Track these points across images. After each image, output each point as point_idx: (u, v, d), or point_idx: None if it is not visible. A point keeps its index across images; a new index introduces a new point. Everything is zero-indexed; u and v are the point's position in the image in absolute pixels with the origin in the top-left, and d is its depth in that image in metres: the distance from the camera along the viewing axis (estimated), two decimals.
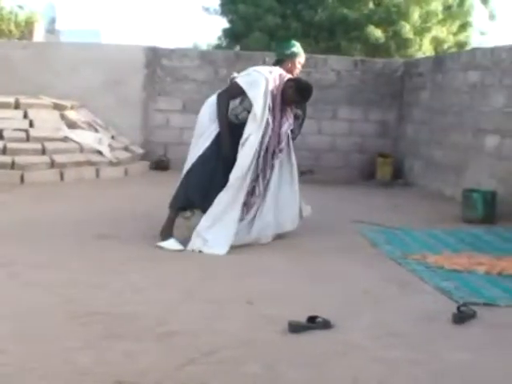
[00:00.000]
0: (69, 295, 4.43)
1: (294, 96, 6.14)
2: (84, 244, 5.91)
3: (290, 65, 6.72)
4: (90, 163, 9.97)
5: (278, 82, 6.13)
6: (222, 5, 19.91)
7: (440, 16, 18.26)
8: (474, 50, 9.91)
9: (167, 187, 9.45)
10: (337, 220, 7.41)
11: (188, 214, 6.32)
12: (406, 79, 11.78)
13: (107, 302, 4.35)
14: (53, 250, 5.63)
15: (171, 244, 5.92)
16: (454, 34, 19.25)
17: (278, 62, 6.74)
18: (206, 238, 5.84)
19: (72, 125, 10.37)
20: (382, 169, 11.46)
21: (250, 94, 6.04)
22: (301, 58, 6.80)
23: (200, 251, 5.78)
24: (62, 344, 3.59)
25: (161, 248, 5.87)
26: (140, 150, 11.28)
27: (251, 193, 6.13)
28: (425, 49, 18.05)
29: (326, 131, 11.83)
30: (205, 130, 6.19)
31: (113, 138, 11.00)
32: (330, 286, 4.99)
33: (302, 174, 11.19)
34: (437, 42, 18.66)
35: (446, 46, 18.79)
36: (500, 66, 8.40)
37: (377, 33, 17.24)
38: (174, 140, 11.60)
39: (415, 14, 17.53)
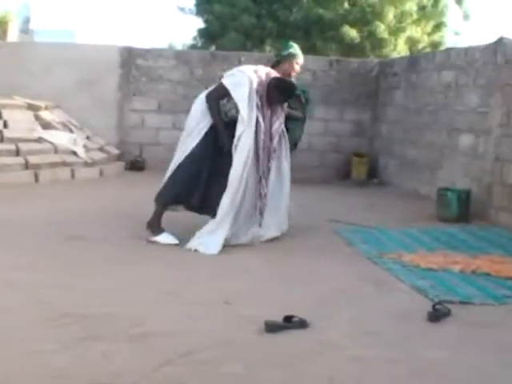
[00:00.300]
0: (42, 297, 4.38)
1: (274, 94, 6.14)
2: (59, 245, 5.86)
3: (287, 66, 6.75)
4: (64, 164, 9.90)
5: (263, 81, 6.13)
6: (198, 5, 19.88)
7: (414, 16, 18.36)
8: (449, 50, 9.98)
9: (143, 187, 9.45)
10: (313, 219, 7.42)
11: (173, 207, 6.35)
12: (381, 79, 11.84)
13: (82, 303, 4.32)
14: (27, 251, 5.57)
15: (165, 238, 6.01)
16: (429, 34, 19.37)
17: (277, 63, 6.79)
18: (204, 239, 5.89)
19: (46, 125, 10.29)
20: (358, 168, 11.51)
21: (234, 95, 6.05)
22: (299, 59, 6.80)
23: (195, 250, 5.82)
24: (36, 346, 3.55)
25: (153, 243, 5.95)
26: (115, 151, 11.23)
27: (259, 196, 6.16)
28: (399, 49, 18.14)
29: None
30: (195, 125, 6.22)
31: (88, 138, 10.93)
32: (307, 285, 5.00)
33: None
34: (411, 42, 18.76)
35: (420, 46, 18.90)
36: (474, 66, 8.46)
37: (352, 33, 17.30)
38: (150, 140, 11.57)
39: (390, 14, 17.61)
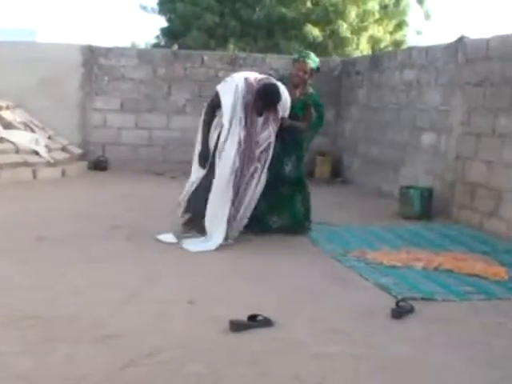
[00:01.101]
0: (5, 299, 4.33)
1: (257, 100, 6.13)
2: (21, 246, 5.79)
3: (294, 70, 6.77)
4: (26, 164, 9.79)
5: (254, 87, 6.15)
6: (160, 3, 19.77)
7: (377, 15, 18.46)
8: (410, 49, 10.07)
9: (106, 187, 9.41)
10: None
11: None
12: (344, 78, 11.90)
13: (45, 304, 4.27)
14: None
15: (166, 237, 6.21)
16: (391, 33, 19.50)
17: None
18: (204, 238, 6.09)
19: (7, 125, 10.16)
20: (321, 167, 11.55)
21: (222, 100, 6.12)
22: (298, 64, 6.72)
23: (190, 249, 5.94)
24: None
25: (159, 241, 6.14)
26: (78, 151, 11.13)
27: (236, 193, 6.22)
28: (362, 48, 18.23)
29: None
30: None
31: (50, 138, 10.82)
32: (272, 284, 5.01)
33: None
34: (374, 41, 18.87)
35: (382, 45, 19.02)
36: (435, 65, 8.55)
37: (315, 32, 17.35)
38: (113, 140, 11.49)
39: (352, 13, 17.69)
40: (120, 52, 11.67)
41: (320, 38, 17.47)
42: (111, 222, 6.90)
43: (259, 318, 4.04)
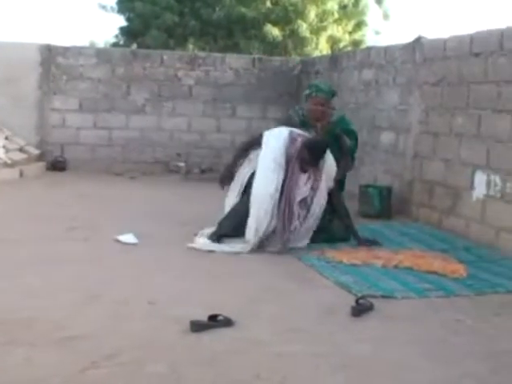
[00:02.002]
0: None
1: (303, 153, 6.08)
2: None
3: (308, 106, 6.76)
4: None
5: (298, 141, 6.14)
6: (119, 2, 19.64)
7: (336, 15, 18.59)
8: (369, 48, 10.13)
9: (64, 188, 9.32)
10: None
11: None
12: (303, 77, 11.94)
13: (2, 307, 4.21)
14: None
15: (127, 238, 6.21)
16: (350, 33, 19.64)
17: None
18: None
19: None
20: None
21: (267, 142, 6.17)
22: (312, 100, 6.71)
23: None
24: None
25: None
26: (36, 151, 11.00)
27: None
28: (321, 47, 18.34)
29: (225, 129, 11.88)
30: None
31: (7, 138, 10.67)
32: (232, 283, 5.01)
33: (202, 172, 11.28)
34: (333, 41, 18.99)
35: (341, 45, 19.15)
36: (393, 65, 8.62)
37: (274, 31, 17.40)
38: (71, 140, 11.39)
39: (312, 13, 17.78)
40: (78, 51, 11.55)
41: (279, 38, 17.53)
42: (69, 222, 6.83)
43: (220, 317, 4.03)
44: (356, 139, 6.86)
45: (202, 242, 6.06)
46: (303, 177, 6.11)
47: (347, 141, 6.71)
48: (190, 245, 5.99)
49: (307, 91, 6.92)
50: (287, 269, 5.48)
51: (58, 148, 11.36)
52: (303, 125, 6.67)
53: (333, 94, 6.89)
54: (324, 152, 6.20)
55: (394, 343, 3.90)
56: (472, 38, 6.90)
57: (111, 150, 11.52)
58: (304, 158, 6.08)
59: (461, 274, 5.37)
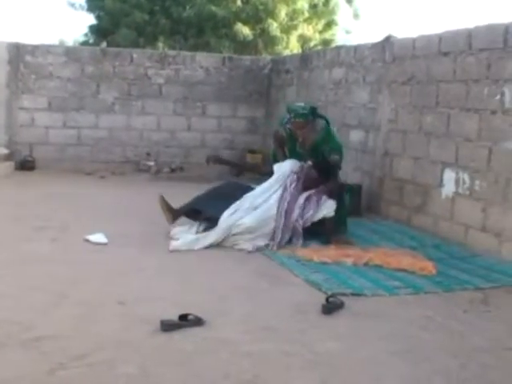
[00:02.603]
0: None
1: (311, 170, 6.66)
2: None
3: (292, 128, 6.84)
4: None
5: (304, 166, 6.71)
6: (89, 0, 19.49)
7: (306, 14, 18.60)
8: (339, 47, 10.16)
9: (33, 187, 9.23)
10: None
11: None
12: (274, 76, 11.95)
13: None
14: None
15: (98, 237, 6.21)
16: (320, 32, 19.66)
17: None
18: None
19: None
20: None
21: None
22: (294, 124, 6.79)
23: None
24: None
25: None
26: (4, 151, 10.89)
27: None
28: (292, 46, 18.34)
29: (195, 127, 11.86)
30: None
31: None
32: (203, 282, 4.99)
33: (172, 171, 11.22)
34: (303, 40, 19.00)
35: (312, 44, 19.17)
36: (363, 64, 8.66)
37: (245, 30, 17.38)
38: (40, 139, 11.29)
39: (282, 12, 17.78)
40: (47, 49, 11.45)
41: (250, 37, 17.51)
42: (37, 222, 6.77)
43: (190, 317, 4.02)
44: (341, 153, 6.87)
45: (181, 242, 6.05)
46: (303, 195, 6.51)
47: (335, 157, 6.73)
48: (172, 248, 5.94)
49: (287, 116, 6.96)
50: (257, 267, 5.48)
51: (27, 147, 11.25)
52: (290, 139, 6.90)
53: (312, 112, 6.88)
54: (340, 163, 6.77)
55: (365, 340, 3.92)
56: (441, 38, 6.95)
57: (80, 149, 11.44)
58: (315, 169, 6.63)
59: (430, 271, 5.41)
